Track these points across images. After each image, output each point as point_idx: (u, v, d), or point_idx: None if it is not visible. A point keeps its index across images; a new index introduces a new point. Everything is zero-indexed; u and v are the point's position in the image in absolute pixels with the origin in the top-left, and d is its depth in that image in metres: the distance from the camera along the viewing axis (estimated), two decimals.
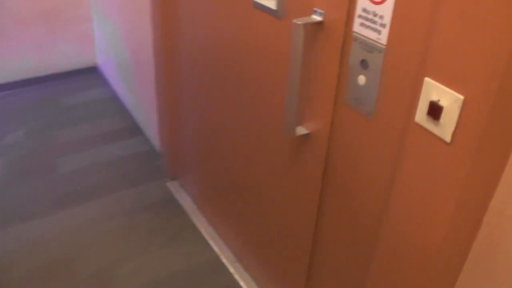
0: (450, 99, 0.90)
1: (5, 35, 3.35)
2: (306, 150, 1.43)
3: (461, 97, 0.88)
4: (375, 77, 1.11)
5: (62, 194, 2.59)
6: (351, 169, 1.27)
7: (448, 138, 0.93)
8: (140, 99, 2.96)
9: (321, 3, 1.20)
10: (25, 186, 2.63)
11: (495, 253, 0.94)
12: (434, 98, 0.93)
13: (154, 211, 2.50)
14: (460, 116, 0.90)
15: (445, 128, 0.93)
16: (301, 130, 1.40)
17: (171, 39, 2.16)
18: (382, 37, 1.07)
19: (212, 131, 2.03)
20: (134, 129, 3.18)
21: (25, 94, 3.53)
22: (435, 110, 0.94)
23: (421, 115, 0.98)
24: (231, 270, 2.14)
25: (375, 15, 1.07)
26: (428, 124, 0.97)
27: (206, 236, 2.33)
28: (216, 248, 2.26)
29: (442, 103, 0.92)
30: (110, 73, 3.55)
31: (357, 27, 1.13)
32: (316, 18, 1.22)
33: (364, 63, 1.14)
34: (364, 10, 1.09)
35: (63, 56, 3.64)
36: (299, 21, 1.18)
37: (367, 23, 1.09)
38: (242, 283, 2.06)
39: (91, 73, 3.81)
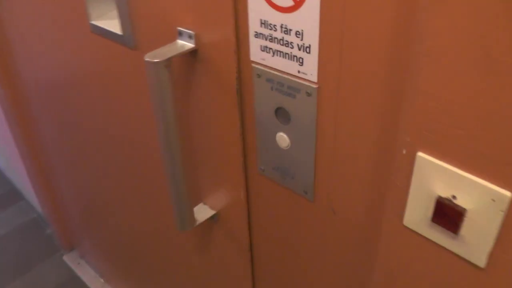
0: (480, 196, 0.43)
1: None
2: (219, 234, 0.92)
3: (508, 194, 0.41)
4: (306, 137, 0.62)
5: None
6: (291, 259, 0.79)
7: (480, 261, 0.46)
8: (8, 157, 2.29)
9: (189, 18, 0.67)
10: None
11: None
12: (443, 192, 0.46)
13: None
14: (503, 225, 0.43)
15: (473, 245, 0.46)
16: (203, 213, 0.89)
17: (13, 87, 1.52)
18: (307, 70, 0.57)
19: (97, 191, 1.45)
20: (13, 195, 2.50)
21: None
22: (447, 215, 0.46)
23: (416, 217, 0.50)
24: None
25: (286, 31, 0.56)
26: (433, 233, 0.49)
27: None
28: None
29: (463, 202, 0.45)
30: None
31: (257, 54, 0.62)
32: (185, 44, 0.69)
33: (282, 114, 0.64)
34: (265, 23, 0.58)
35: None
36: (155, 56, 0.65)
37: (275, 45, 0.59)
38: None
39: None
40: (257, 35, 0.60)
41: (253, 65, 0.63)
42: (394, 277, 0.57)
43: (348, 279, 0.72)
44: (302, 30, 0.55)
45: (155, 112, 0.70)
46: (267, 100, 0.65)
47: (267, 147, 0.70)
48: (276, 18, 0.56)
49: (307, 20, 0.53)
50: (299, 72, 0.58)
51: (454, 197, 0.45)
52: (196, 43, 0.68)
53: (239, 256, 0.91)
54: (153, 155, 0.97)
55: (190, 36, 0.68)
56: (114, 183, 1.24)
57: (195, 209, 0.87)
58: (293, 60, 0.58)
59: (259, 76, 0.63)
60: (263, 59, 0.62)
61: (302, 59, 0.57)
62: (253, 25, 0.60)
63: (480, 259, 0.46)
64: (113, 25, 0.86)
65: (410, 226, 0.51)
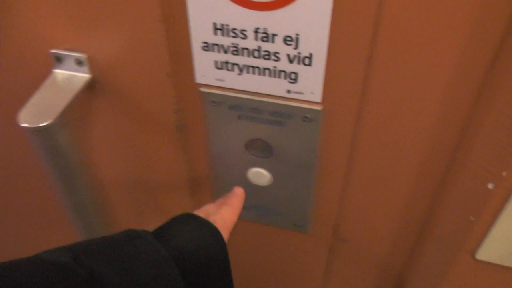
0: None
1: None
2: None
3: None
4: (300, 170, 0.45)
5: None
6: None
7: None
8: None
9: (71, 33, 0.40)
10: None
11: None
12: None
13: None
14: None
15: None
16: None
17: None
18: (304, 88, 0.38)
19: None
20: None
21: None
22: None
23: (498, 251, 0.38)
24: None
25: (266, 37, 0.36)
26: None
27: None
28: None
29: None
30: None
31: (208, 74, 0.40)
32: (72, 76, 0.43)
33: (258, 146, 0.45)
34: (223, 28, 0.36)
35: None
36: (37, 115, 0.38)
37: (243, 59, 0.38)
38: None
39: None
40: (208, 47, 0.38)
41: (203, 90, 0.41)
42: None
43: None
44: (298, 34, 0.35)
45: (53, 183, 0.44)
46: (232, 133, 0.44)
47: (232, 185, 0.50)
48: (246, 19, 0.35)
49: (308, 19, 0.34)
50: (289, 92, 0.39)
51: None
52: (92, 71, 0.43)
53: None
54: None
55: (79, 62, 0.42)
56: None
57: None
58: (279, 77, 0.38)
59: (215, 103, 0.42)
60: (221, 80, 0.40)
61: (296, 74, 0.37)
62: (200, 33, 0.37)
63: None
64: None
65: (488, 260, 0.40)
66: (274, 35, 0.35)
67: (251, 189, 0.50)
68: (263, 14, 0.34)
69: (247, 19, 0.35)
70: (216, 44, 0.38)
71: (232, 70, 0.39)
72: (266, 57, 0.37)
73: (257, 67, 0.38)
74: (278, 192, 0.49)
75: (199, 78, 0.41)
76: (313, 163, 0.44)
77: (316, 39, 0.35)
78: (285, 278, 0.62)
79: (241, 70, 0.39)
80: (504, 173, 0.33)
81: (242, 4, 0.34)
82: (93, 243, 0.33)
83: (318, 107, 0.39)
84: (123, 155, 0.51)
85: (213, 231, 0.37)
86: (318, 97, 0.38)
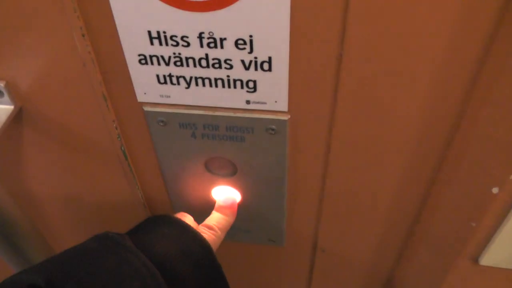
0: None
1: None
2: None
3: None
4: (270, 184, 0.40)
5: None
6: None
7: None
8: None
9: None
10: None
11: None
12: None
13: None
14: None
15: None
16: None
17: None
18: (267, 96, 0.32)
19: None
20: None
21: None
22: None
23: (502, 256, 0.34)
24: None
25: (213, 42, 0.30)
26: None
27: None
28: None
29: None
30: None
31: (152, 91, 0.34)
32: None
33: (220, 164, 0.39)
34: (160, 36, 0.30)
35: None
36: None
37: (189, 70, 0.32)
38: None
39: None
40: (146, 59, 0.32)
41: (147, 109, 0.35)
42: None
43: None
44: (250, 36, 0.29)
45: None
46: (187, 154, 0.38)
47: (196, 207, 0.44)
48: (185, 23, 0.29)
49: (262, 16, 0.28)
50: (248, 103, 0.33)
51: None
52: (14, 100, 0.36)
53: None
54: None
55: None
56: None
57: None
58: (235, 87, 0.32)
59: (163, 122, 0.36)
60: (167, 97, 0.34)
61: (254, 82, 0.32)
62: (134, 45, 0.31)
63: None
64: None
65: (492, 264, 0.35)
66: (222, 39, 0.29)
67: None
68: (206, 15, 0.28)
69: (188, 23, 0.29)
70: (155, 56, 0.31)
71: (178, 83, 0.33)
72: (216, 65, 0.31)
73: (207, 78, 0.32)
74: (248, 210, 0.43)
75: (141, 97, 0.34)
76: (283, 176, 0.38)
77: (274, 39, 0.29)
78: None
79: (188, 83, 0.33)
80: (506, 173, 0.29)
81: (178, 6, 0.28)
82: (69, 257, 0.31)
83: (284, 117, 0.33)
84: (68, 190, 0.44)
85: (195, 234, 0.34)
86: (283, 106, 0.33)
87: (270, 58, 0.30)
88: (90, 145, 0.39)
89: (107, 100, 0.35)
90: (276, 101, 0.33)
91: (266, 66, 0.30)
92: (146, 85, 0.34)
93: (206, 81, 0.32)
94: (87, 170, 0.42)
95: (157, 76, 0.33)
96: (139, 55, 0.32)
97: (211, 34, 0.29)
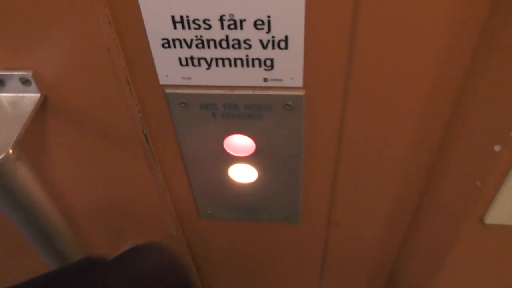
0: None
1: None
2: None
3: None
4: (286, 161, 0.42)
5: None
6: None
7: None
8: None
9: (11, 50, 0.35)
10: None
11: None
12: None
13: None
14: None
15: None
16: None
17: None
18: (283, 74, 0.34)
19: None
20: None
21: None
22: None
23: (506, 213, 0.37)
24: None
25: (233, 24, 0.32)
26: None
27: None
28: None
29: None
30: None
31: (173, 73, 0.36)
32: (18, 98, 0.38)
33: (238, 142, 0.41)
34: (183, 20, 0.32)
35: None
36: None
37: (210, 52, 0.34)
38: None
39: None
40: (169, 43, 0.34)
41: (168, 91, 0.37)
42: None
43: None
44: (269, 17, 0.31)
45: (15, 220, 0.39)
46: (208, 134, 0.40)
47: (215, 188, 0.47)
48: (208, 7, 0.31)
49: None
50: (266, 80, 0.35)
51: None
52: (40, 89, 0.38)
53: None
54: None
55: (24, 81, 0.37)
56: None
57: None
58: (253, 66, 0.34)
59: (185, 104, 0.38)
60: (188, 78, 0.36)
61: (271, 60, 0.34)
62: (158, 30, 0.33)
63: None
64: None
65: (497, 222, 0.38)
66: (242, 20, 0.32)
67: (236, 188, 0.46)
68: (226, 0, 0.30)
69: (209, 6, 0.31)
70: (178, 39, 0.34)
71: (199, 65, 0.35)
72: (236, 46, 0.33)
73: (227, 58, 0.34)
74: (265, 188, 0.46)
75: (163, 79, 0.37)
76: (300, 152, 0.41)
77: (290, 18, 0.31)
78: (283, 271, 0.59)
79: (209, 64, 0.35)
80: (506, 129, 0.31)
81: None
82: (51, 278, 0.33)
83: (300, 92, 0.36)
84: (91, 176, 0.46)
85: (174, 260, 0.36)
86: (299, 82, 0.35)
87: (286, 36, 0.32)
88: (112, 130, 0.41)
89: (130, 85, 0.37)
90: (292, 78, 0.35)
91: (282, 44, 0.33)
92: (168, 68, 0.36)
93: (226, 62, 0.34)
94: (109, 156, 0.44)
95: (179, 59, 0.35)
96: (163, 39, 0.34)
97: (231, 16, 0.31)
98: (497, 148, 0.32)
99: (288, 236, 0.53)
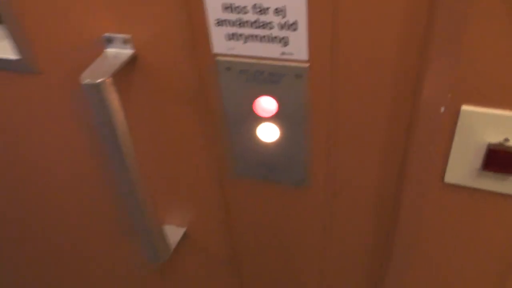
0: None
1: None
2: (191, 252, 0.83)
3: None
4: (299, 123, 0.56)
5: None
6: (282, 257, 0.74)
7: None
8: None
9: (118, 18, 0.54)
10: None
11: None
12: (495, 138, 0.44)
13: None
14: None
15: None
16: (173, 235, 0.78)
17: None
18: (294, 49, 0.49)
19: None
20: None
21: None
22: (501, 159, 0.44)
23: (460, 172, 0.48)
24: None
25: (261, 10, 0.48)
26: (484, 182, 0.48)
27: None
28: None
29: None
30: None
31: (222, 45, 0.52)
32: (119, 52, 0.56)
33: (264, 105, 0.56)
34: (230, 7, 0.49)
35: None
36: (94, 75, 0.52)
37: (246, 30, 0.50)
38: None
39: None
40: (220, 22, 0.51)
41: (219, 58, 0.54)
42: (433, 236, 0.55)
43: (361, 266, 0.69)
44: (284, 6, 0.47)
45: (103, 138, 0.57)
46: (242, 95, 0.56)
47: (246, 146, 0.62)
48: None
49: None
50: (283, 54, 0.50)
51: (506, 139, 0.43)
52: (135, 48, 0.56)
53: (222, 271, 0.83)
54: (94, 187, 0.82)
55: (124, 41, 0.56)
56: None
57: (166, 235, 0.76)
58: (274, 42, 0.50)
59: (228, 69, 0.54)
60: (232, 49, 0.52)
61: (287, 38, 0.49)
62: (213, 12, 0.50)
63: None
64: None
65: (454, 182, 0.49)
66: (267, 8, 0.47)
67: (262, 147, 0.61)
68: None
69: None
70: (226, 20, 0.50)
71: (239, 40, 0.51)
72: (263, 26, 0.49)
73: (257, 35, 0.50)
74: (284, 147, 0.60)
75: (215, 49, 0.53)
76: (306, 116, 0.55)
77: (298, 8, 0.46)
78: (290, 230, 0.71)
79: (245, 40, 0.51)
80: (449, 95, 0.43)
81: None
82: None
83: (306, 65, 0.50)
84: (150, 128, 0.64)
85: None
86: (305, 56, 0.50)
87: (296, 21, 0.47)
88: (175, 86, 0.58)
89: (193, 51, 0.54)
90: (300, 53, 0.50)
91: (294, 27, 0.48)
92: (218, 41, 0.52)
93: (256, 38, 0.50)
94: (169, 109, 0.61)
95: (226, 34, 0.51)
96: (216, 19, 0.51)
97: (260, 5, 0.48)
98: (442, 109, 0.44)
99: (297, 197, 0.66)
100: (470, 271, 0.58)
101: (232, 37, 0.51)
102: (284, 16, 0.47)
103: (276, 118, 0.57)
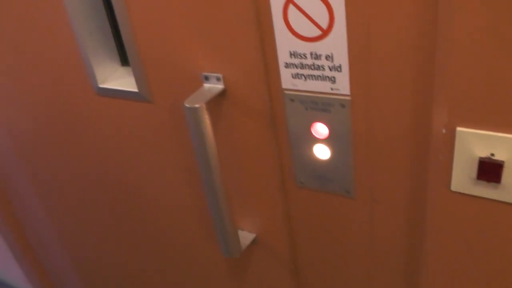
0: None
1: None
2: (260, 256, 0.99)
3: None
4: (345, 143, 0.71)
5: None
6: (336, 261, 0.87)
7: None
8: None
9: (213, 62, 0.75)
10: None
11: None
12: (483, 153, 0.56)
13: None
14: None
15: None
16: (244, 238, 0.95)
17: None
18: (340, 86, 0.66)
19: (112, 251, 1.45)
20: None
21: None
22: (490, 170, 0.57)
23: (462, 181, 0.60)
24: None
25: (316, 56, 0.66)
26: (479, 189, 0.60)
27: None
28: None
29: (500, 156, 0.56)
30: None
31: (288, 82, 0.71)
32: (213, 87, 0.77)
33: (318, 129, 0.73)
34: (294, 54, 0.67)
35: None
36: (194, 102, 0.72)
37: (306, 71, 0.68)
38: None
39: None
40: (287, 65, 0.69)
41: (286, 92, 0.72)
42: (448, 239, 0.67)
43: (397, 266, 0.81)
44: (332, 53, 0.64)
45: (197, 151, 0.77)
46: (302, 120, 0.73)
47: (305, 161, 0.78)
48: (305, 47, 0.66)
49: (336, 44, 0.63)
50: (332, 89, 0.68)
51: (492, 154, 0.55)
52: (225, 84, 0.76)
53: (284, 274, 0.98)
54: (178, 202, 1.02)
55: (218, 79, 0.76)
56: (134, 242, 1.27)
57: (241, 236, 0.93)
58: (325, 80, 0.67)
59: (292, 100, 0.72)
60: (295, 85, 0.71)
61: (334, 77, 0.66)
62: (282, 57, 0.69)
63: None
64: (125, 84, 0.92)
65: (458, 190, 0.61)
66: (320, 55, 0.65)
67: (317, 162, 0.77)
68: (314, 44, 0.65)
69: (306, 47, 0.66)
70: (292, 63, 0.69)
71: (300, 78, 0.69)
72: (318, 68, 0.67)
73: (313, 75, 0.68)
74: (334, 163, 0.75)
75: (283, 84, 0.72)
76: (350, 139, 0.71)
77: (341, 55, 0.64)
78: (335, 241, 0.85)
79: (305, 78, 0.69)
80: (446, 119, 0.57)
81: (302, 39, 0.65)
82: None
83: (348, 98, 0.67)
84: (232, 142, 0.83)
85: None
86: (347, 91, 0.66)
87: (340, 65, 0.65)
88: (254, 113, 0.77)
89: (267, 86, 0.73)
90: (344, 88, 0.66)
91: (339, 69, 0.65)
92: (286, 79, 0.71)
93: (312, 77, 0.68)
94: (248, 132, 0.80)
95: (291, 74, 0.70)
96: (285, 62, 0.69)
97: (316, 52, 0.66)
98: (444, 130, 0.58)
99: (345, 207, 0.80)
100: (473, 269, 0.68)
101: (295, 76, 0.70)
102: (332, 61, 0.65)
103: (328, 140, 0.73)
